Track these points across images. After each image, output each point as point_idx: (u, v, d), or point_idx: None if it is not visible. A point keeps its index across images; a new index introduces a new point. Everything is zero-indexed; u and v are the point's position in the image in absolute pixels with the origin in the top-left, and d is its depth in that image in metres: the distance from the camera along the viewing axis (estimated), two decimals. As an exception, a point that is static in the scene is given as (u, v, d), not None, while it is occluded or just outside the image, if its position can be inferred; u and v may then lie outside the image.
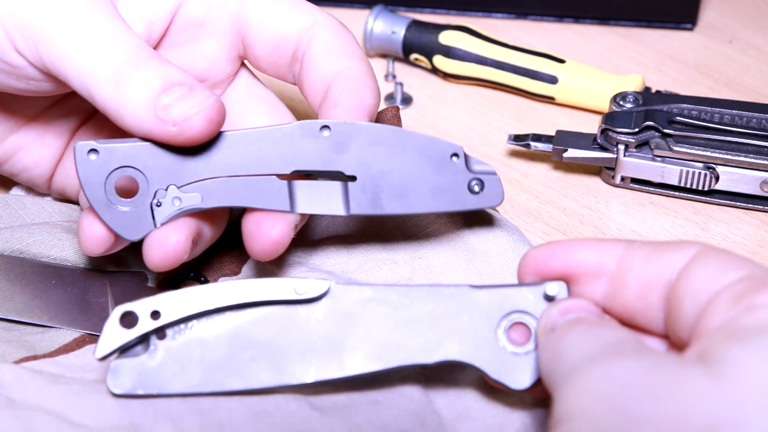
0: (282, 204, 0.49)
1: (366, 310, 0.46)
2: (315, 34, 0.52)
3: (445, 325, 0.45)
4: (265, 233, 0.49)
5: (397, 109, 0.59)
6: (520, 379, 0.45)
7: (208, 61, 0.53)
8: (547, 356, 0.41)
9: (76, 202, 0.56)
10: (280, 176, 0.49)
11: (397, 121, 0.59)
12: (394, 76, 0.71)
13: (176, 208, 0.48)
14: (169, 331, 0.45)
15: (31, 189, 0.58)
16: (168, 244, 0.48)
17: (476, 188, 0.50)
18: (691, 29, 0.75)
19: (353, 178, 0.49)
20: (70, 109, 0.55)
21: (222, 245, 0.54)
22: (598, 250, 0.44)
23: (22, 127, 0.54)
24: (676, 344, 0.41)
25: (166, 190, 0.48)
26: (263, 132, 0.49)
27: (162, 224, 0.48)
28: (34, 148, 0.55)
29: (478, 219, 0.55)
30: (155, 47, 0.52)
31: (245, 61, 0.55)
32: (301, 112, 0.65)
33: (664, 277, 0.41)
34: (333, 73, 0.51)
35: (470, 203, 0.51)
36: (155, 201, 0.48)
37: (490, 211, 0.56)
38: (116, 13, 0.49)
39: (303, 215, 0.51)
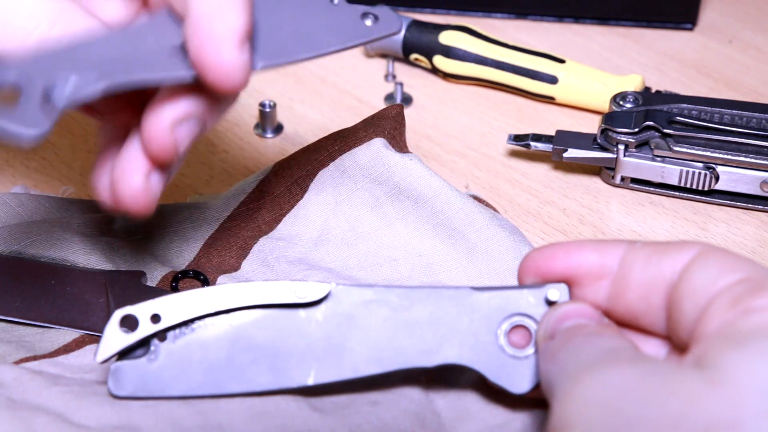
0: (185, 68, 0.44)
1: (366, 312, 0.46)
2: None
3: (445, 327, 0.45)
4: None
5: (401, 107, 0.59)
6: (520, 383, 0.45)
7: None
8: (546, 364, 0.41)
9: None
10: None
11: (400, 120, 0.59)
12: (394, 76, 0.71)
13: (77, 88, 0.42)
14: (169, 334, 0.45)
15: (28, 188, 0.58)
16: (134, 184, 0.45)
17: (369, 20, 0.50)
18: (691, 29, 0.75)
19: None
20: None
21: (219, 240, 0.54)
22: (599, 251, 0.44)
23: None
24: (678, 346, 0.41)
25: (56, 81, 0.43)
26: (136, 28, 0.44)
27: (68, 103, 0.42)
28: None
29: (479, 218, 0.55)
30: None
31: None
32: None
33: (665, 279, 0.41)
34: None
35: (370, 34, 0.49)
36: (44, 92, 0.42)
37: (490, 211, 0.56)
38: None
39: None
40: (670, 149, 0.60)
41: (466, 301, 0.45)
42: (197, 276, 0.53)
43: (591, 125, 0.67)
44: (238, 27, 0.43)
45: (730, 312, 0.37)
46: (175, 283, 0.53)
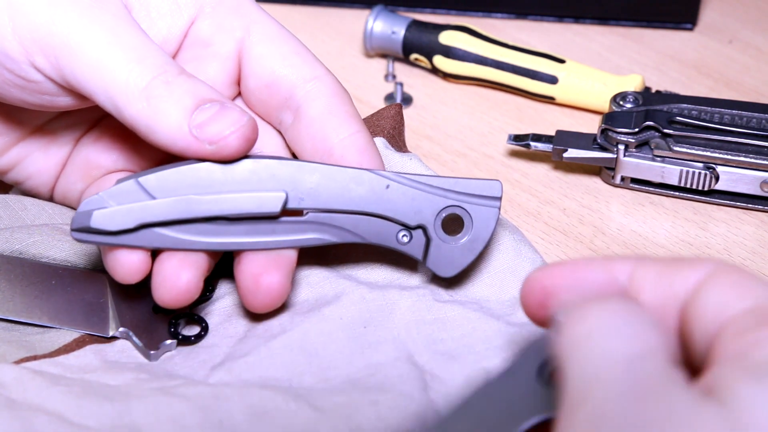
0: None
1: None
2: (314, 90, 0.52)
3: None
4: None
5: (400, 106, 0.59)
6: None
7: (209, 83, 0.53)
8: (562, 350, 0.37)
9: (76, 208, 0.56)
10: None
11: (399, 119, 0.59)
12: (394, 76, 0.71)
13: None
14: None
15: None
16: (180, 283, 0.48)
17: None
18: (691, 29, 0.75)
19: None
20: (76, 119, 0.54)
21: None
22: (606, 268, 0.41)
23: (27, 136, 0.54)
24: (690, 367, 0.39)
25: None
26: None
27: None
28: (38, 157, 0.54)
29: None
30: None
31: None
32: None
33: (678, 299, 0.39)
34: (337, 139, 0.51)
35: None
36: None
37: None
38: (139, 27, 0.49)
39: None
40: (670, 149, 0.60)
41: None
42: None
43: (591, 125, 0.67)
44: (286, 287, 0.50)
45: (743, 340, 0.35)
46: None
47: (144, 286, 0.52)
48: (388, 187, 0.50)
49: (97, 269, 0.53)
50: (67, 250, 0.53)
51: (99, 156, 0.54)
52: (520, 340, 0.50)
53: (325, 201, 0.49)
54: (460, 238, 0.50)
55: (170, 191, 0.48)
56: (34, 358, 0.49)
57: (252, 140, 0.48)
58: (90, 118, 0.54)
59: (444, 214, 0.50)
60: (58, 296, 0.52)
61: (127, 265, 0.49)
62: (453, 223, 0.51)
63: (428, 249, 0.50)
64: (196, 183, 0.48)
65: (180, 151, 0.47)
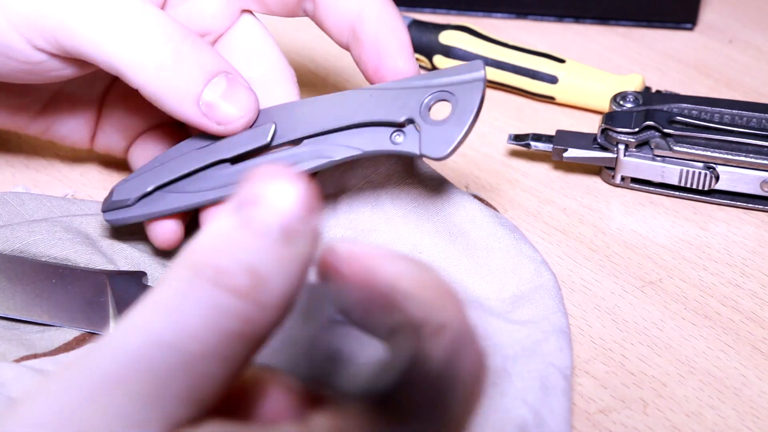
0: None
1: None
2: None
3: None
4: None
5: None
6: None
7: (208, 18, 0.53)
8: None
9: (123, 160, 0.58)
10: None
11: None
12: (394, 76, 0.71)
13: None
14: None
15: (29, 188, 0.58)
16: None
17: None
18: (691, 29, 0.75)
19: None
20: (92, 77, 0.55)
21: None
22: None
23: (47, 104, 0.55)
24: None
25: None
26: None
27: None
28: (66, 119, 0.56)
29: (479, 215, 0.55)
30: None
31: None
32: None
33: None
34: (355, 12, 0.51)
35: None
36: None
37: (491, 210, 0.56)
38: None
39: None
40: (670, 149, 0.60)
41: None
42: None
43: (591, 125, 0.67)
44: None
45: None
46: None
47: (145, 289, 0.52)
48: (371, 95, 0.50)
49: (97, 268, 0.53)
50: (67, 249, 0.53)
51: (130, 117, 0.55)
52: (520, 337, 0.50)
53: (316, 124, 0.51)
54: (448, 118, 0.50)
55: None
56: (34, 356, 0.49)
57: (254, 119, 0.50)
58: (105, 75, 0.55)
59: (431, 103, 0.50)
60: (58, 294, 0.52)
61: (162, 234, 0.52)
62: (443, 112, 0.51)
63: (421, 139, 0.50)
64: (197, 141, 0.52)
65: (186, 122, 0.49)
